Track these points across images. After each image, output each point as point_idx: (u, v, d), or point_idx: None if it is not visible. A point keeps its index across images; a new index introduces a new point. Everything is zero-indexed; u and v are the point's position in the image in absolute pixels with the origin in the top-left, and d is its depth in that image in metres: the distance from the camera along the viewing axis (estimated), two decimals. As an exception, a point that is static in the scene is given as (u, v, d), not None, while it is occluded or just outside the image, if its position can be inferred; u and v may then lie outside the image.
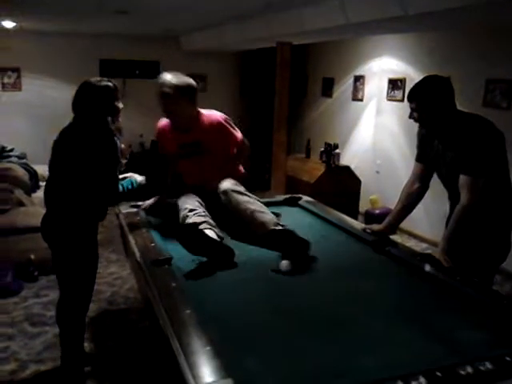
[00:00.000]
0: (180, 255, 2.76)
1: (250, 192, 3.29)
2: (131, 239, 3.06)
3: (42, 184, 6.17)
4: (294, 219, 3.72)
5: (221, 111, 3.43)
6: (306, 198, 4.13)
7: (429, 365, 1.70)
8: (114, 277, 4.82)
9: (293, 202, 4.05)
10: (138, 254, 2.78)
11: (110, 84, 3.07)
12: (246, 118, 8.77)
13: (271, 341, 1.97)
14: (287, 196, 4.16)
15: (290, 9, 4.86)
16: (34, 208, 4.79)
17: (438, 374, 1.62)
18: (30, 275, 4.56)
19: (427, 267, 2.64)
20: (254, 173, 8.65)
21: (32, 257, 4.52)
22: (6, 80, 7.45)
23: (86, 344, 3.57)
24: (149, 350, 3.46)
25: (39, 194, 5.82)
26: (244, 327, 2.08)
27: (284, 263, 2.69)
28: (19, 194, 4.82)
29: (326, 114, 8.02)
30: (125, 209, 3.67)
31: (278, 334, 2.03)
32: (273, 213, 3.22)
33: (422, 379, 1.59)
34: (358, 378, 1.62)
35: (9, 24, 6.36)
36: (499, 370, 1.67)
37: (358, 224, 3.60)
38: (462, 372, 1.64)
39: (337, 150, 6.48)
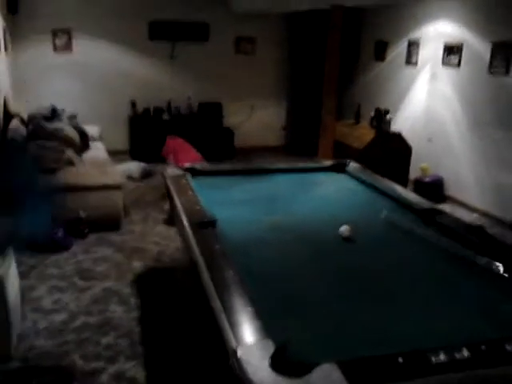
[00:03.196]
0: (225, 218, 2.78)
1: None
2: (177, 201, 3.09)
3: (92, 144, 6.31)
4: (339, 185, 3.68)
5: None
6: (353, 164, 4.06)
7: (472, 338, 1.67)
8: (161, 236, 4.91)
9: (340, 168, 4.00)
10: (183, 216, 2.82)
11: None
12: (295, 81, 8.66)
13: (312, 303, 1.97)
14: (334, 161, 4.10)
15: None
16: (84, 168, 4.90)
17: (483, 347, 1.58)
18: (79, 232, 4.71)
19: (477, 241, 2.56)
20: (302, 137, 8.58)
21: (82, 214, 4.65)
22: (57, 41, 7.54)
23: (132, 300, 3.70)
24: (192, 310, 3.53)
25: (89, 154, 5.95)
26: (287, 289, 2.08)
27: (344, 228, 2.68)
28: (70, 153, 4.92)
29: (377, 78, 7.79)
30: (171, 171, 3.71)
31: (320, 298, 2.03)
32: None
33: (465, 351, 1.55)
34: (400, 346, 1.60)
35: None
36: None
37: (406, 192, 3.51)
38: (508, 347, 1.59)
39: (388, 116, 6.32)
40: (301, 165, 4.08)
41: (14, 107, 6.26)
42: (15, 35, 7.27)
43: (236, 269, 2.09)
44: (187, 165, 3.86)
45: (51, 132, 5.37)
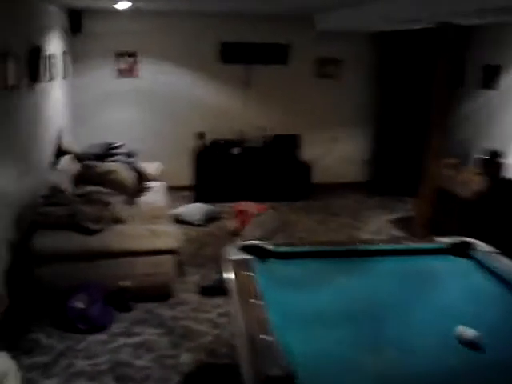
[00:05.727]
0: (306, 356, 1.79)
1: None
2: (236, 317, 2.14)
3: (150, 185, 5.51)
4: (468, 284, 2.58)
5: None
6: (480, 245, 2.94)
7: None
8: (219, 311, 3.97)
9: (460, 251, 2.91)
10: (243, 356, 1.86)
11: None
12: (383, 109, 7.53)
13: None
14: (452, 240, 3.00)
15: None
16: (133, 227, 4.00)
17: None
18: (122, 304, 3.86)
19: None
20: (388, 173, 7.44)
21: (125, 284, 3.81)
22: (122, 65, 6.86)
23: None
24: None
25: (145, 197, 5.13)
26: None
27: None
28: (117, 207, 4.08)
29: (486, 110, 6.53)
30: (234, 254, 2.75)
31: None
32: None
33: None
34: None
35: (124, 4, 5.66)
36: None
37: None
38: None
39: (504, 160, 5.12)
40: (409, 245, 3.02)
41: (67, 142, 5.58)
42: (76, 58, 6.65)
43: None
44: (254, 242, 2.90)
45: (100, 175, 4.61)
